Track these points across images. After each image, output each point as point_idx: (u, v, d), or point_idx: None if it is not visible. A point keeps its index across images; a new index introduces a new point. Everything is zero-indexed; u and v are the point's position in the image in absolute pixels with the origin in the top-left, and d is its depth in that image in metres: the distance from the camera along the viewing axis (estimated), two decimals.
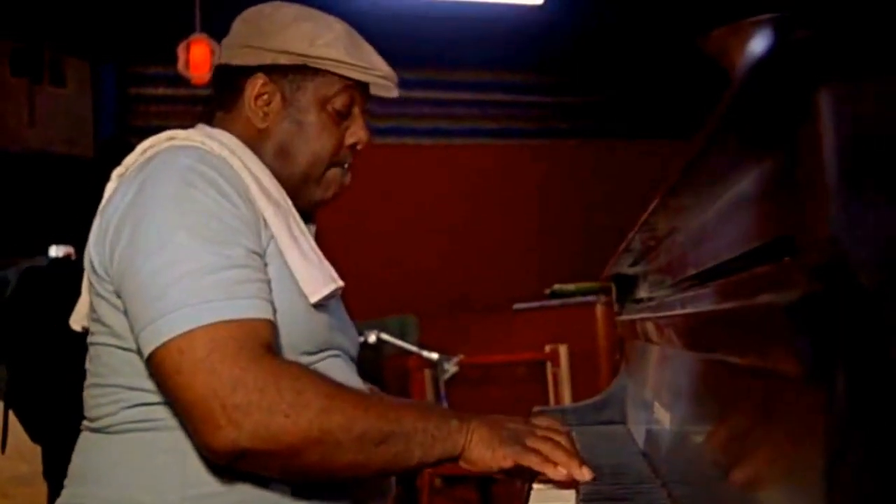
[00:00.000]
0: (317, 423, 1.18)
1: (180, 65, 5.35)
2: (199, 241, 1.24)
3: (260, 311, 1.24)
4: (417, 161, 6.05)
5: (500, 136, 6.49)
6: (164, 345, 1.19)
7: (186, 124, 1.47)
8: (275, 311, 1.28)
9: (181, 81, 5.47)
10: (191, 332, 1.19)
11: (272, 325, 1.26)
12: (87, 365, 1.39)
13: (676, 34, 4.61)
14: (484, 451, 1.27)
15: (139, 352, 1.26)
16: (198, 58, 5.33)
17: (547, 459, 1.25)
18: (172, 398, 1.22)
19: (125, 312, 1.28)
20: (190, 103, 5.75)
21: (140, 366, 1.29)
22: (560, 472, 1.24)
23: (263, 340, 1.23)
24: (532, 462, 1.25)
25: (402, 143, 5.94)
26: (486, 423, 1.29)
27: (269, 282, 1.30)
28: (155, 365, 1.22)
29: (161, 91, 5.90)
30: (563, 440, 1.29)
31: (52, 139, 5.52)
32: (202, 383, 1.17)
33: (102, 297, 1.33)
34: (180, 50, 5.34)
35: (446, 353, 3.81)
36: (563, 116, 6.64)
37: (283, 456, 1.19)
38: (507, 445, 1.27)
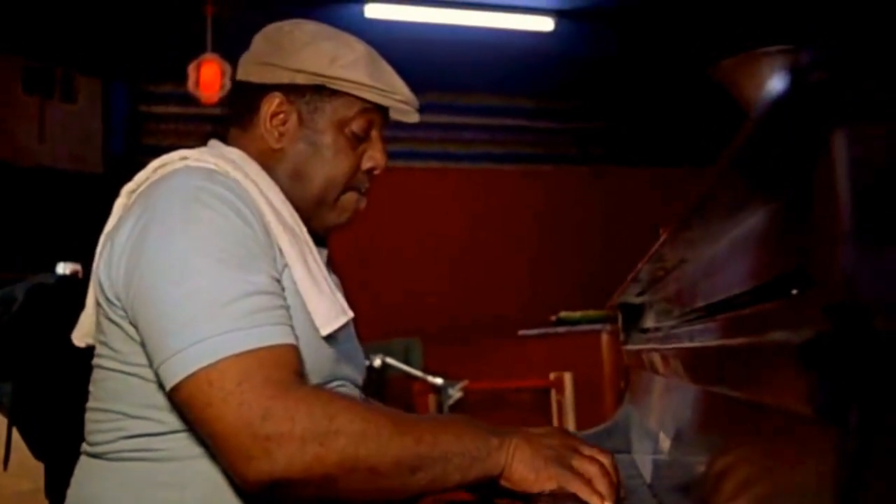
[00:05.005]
0: (351, 451, 1.15)
1: (190, 84, 5.38)
2: (221, 267, 1.21)
3: (286, 337, 1.22)
4: (425, 185, 6.05)
5: (508, 161, 6.50)
6: (192, 375, 1.16)
7: (196, 143, 1.44)
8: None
9: (191, 100, 5.50)
10: (219, 362, 1.15)
11: (297, 351, 1.23)
12: (90, 387, 1.37)
13: (687, 62, 4.63)
14: (527, 471, 1.22)
15: (159, 384, 1.23)
16: (208, 77, 5.36)
17: (592, 488, 1.19)
18: (202, 430, 1.19)
19: (142, 343, 1.25)
20: (199, 122, 5.77)
21: (144, 394, 1.27)
22: None
23: (292, 367, 1.20)
24: (578, 489, 1.19)
25: (409, 167, 5.94)
26: (526, 440, 1.24)
27: (288, 308, 1.27)
28: (182, 397, 1.18)
29: (171, 110, 5.92)
30: (607, 464, 1.23)
31: (62, 155, 5.53)
32: (233, 415, 1.13)
33: (113, 322, 1.30)
34: (191, 69, 5.37)
35: (451, 377, 3.80)
36: (571, 142, 6.65)
37: (318, 484, 1.16)
38: (551, 466, 1.21)
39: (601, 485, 1.20)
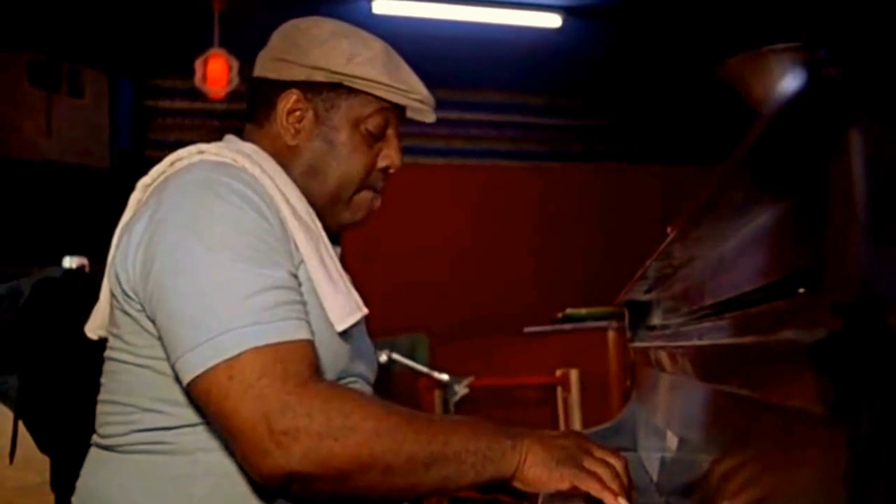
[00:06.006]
0: (366, 447, 1.16)
1: (197, 79, 5.38)
2: (239, 262, 1.21)
3: (304, 332, 1.22)
4: (431, 181, 6.04)
5: (515, 157, 6.49)
6: (211, 369, 1.16)
7: (203, 138, 1.44)
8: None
9: (198, 95, 5.50)
10: (239, 355, 1.16)
11: (315, 346, 1.24)
12: (102, 379, 1.37)
13: (694, 59, 4.62)
14: (540, 471, 1.22)
15: (172, 377, 1.24)
16: (215, 72, 5.36)
17: (605, 486, 1.20)
18: (218, 423, 1.20)
19: (158, 336, 1.26)
20: (206, 117, 5.78)
21: (157, 387, 1.27)
22: None
23: (309, 362, 1.20)
24: (591, 487, 1.20)
25: (416, 163, 5.94)
26: (539, 441, 1.25)
27: (305, 303, 1.27)
28: (200, 390, 1.19)
29: (178, 104, 5.92)
30: (619, 467, 1.24)
31: (69, 149, 5.54)
32: (251, 409, 1.14)
33: (128, 315, 1.30)
34: (198, 64, 5.37)
35: (456, 374, 3.79)
36: (578, 140, 6.64)
37: (333, 480, 1.16)
38: (564, 466, 1.22)
39: (613, 485, 1.20)
